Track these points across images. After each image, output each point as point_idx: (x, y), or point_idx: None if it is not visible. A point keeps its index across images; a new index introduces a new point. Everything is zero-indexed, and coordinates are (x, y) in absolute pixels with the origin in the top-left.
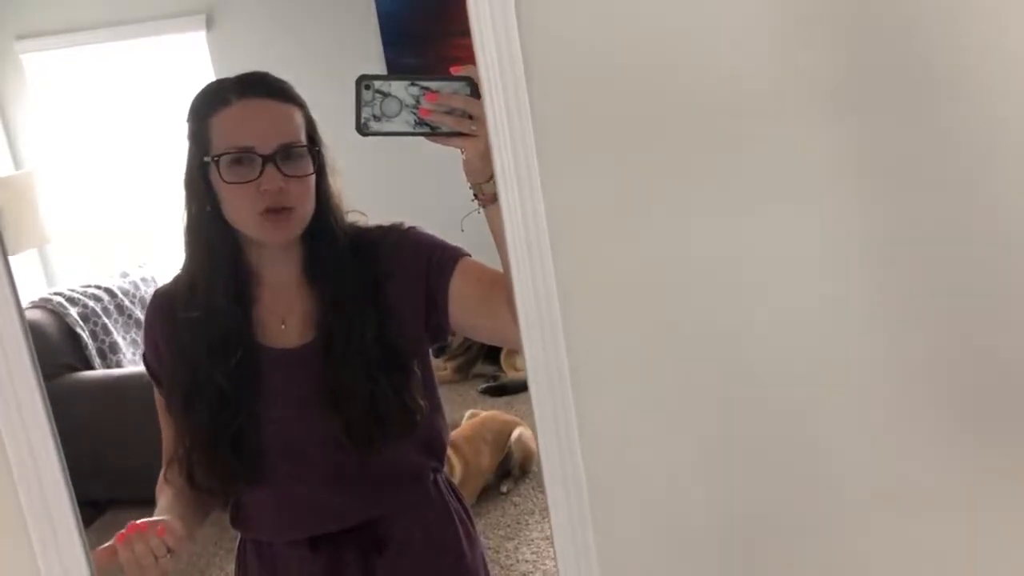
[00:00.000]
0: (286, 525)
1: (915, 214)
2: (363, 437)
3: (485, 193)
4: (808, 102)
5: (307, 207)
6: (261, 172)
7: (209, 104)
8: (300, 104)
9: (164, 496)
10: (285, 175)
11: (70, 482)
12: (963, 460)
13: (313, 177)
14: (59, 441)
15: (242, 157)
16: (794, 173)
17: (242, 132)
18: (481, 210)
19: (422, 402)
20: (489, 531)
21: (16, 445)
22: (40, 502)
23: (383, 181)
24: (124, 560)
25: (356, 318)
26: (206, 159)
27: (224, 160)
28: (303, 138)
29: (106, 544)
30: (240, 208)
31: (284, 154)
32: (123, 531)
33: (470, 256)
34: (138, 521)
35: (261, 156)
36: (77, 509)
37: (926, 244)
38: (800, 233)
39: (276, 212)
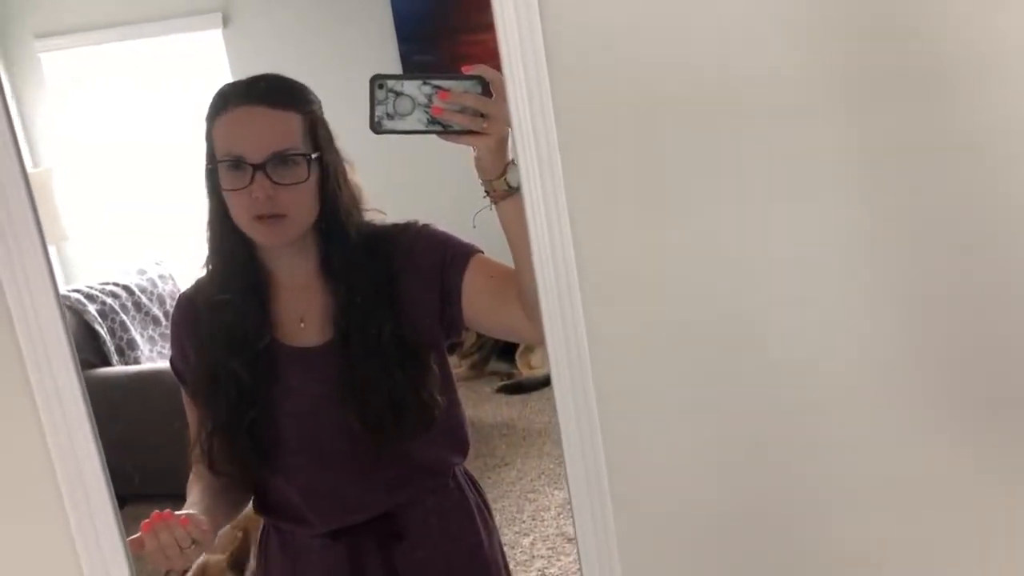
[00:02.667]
0: (308, 516)
1: (928, 205)
2: (382, 434)
3: (496, 190)
4: (827, 96)
5: (301, 214)
6: (251, 180)
7: (214, 108)
8: (303, 110)
9: (193, 491)
10: (275, 183)
11: (106, 466)
12: (971, 452)
13: (311, 184)
14: (96, 426)
15: (235, 164)
16: (810, 165)
17: (234, 140)
18: (492, 207)
19: (440, 398)
20: (505, 527)
21: (55, 429)
22: (78, 484)
23: (396, 178)
24: (150, 549)
25: (373, 317)
26: (209, 165)
27: (221, 167)
28: (299, 146)
29: (133, 536)
30: (237, 212)
31: (275, 163)
32: (148, 520)
33: (483, 253)
34: (163, 511)
35: (251, 165)
36: (113, 492)
37: (939, 236)
38: (812, 226)
39: (268, 218)
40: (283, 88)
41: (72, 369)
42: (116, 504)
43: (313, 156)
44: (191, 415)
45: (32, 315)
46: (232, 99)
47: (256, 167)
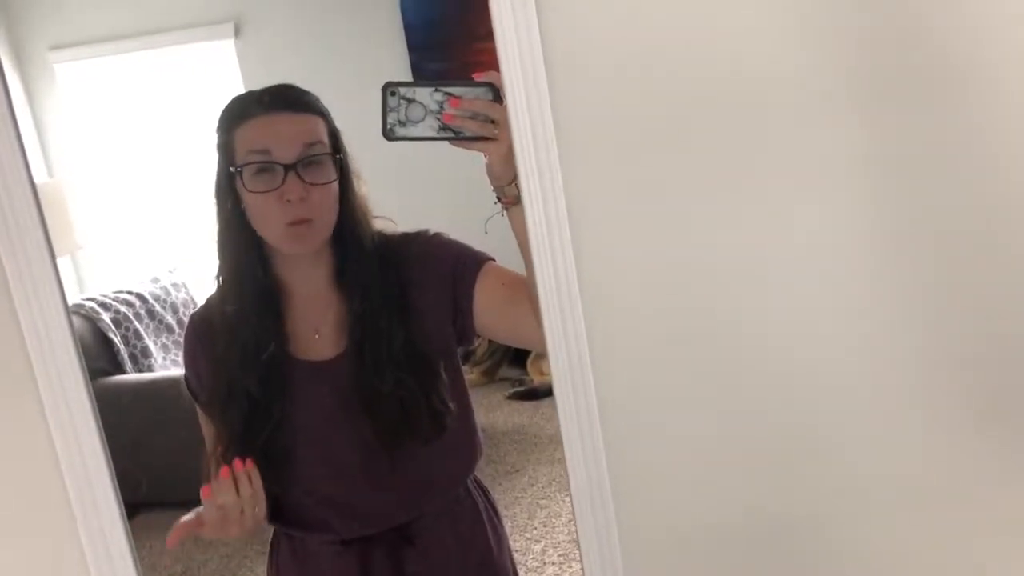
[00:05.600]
0: (320, 526)
1: (932, 209)
2: (395, 441)
3: (507, 196)
4: (826, 98)
5: (328, 216)
6: (283, 180)
7: (234, 117)
8: (323, 115)
9: None
10: (306, 183)
11: (115, 475)
12: (983, 453)
13: (336, 185)
14: (104, 435)
15: (265, 166)
16: (811, 169)
17: (264, 142)
18: (504, 213)
19: (451, 404)
20: (516, 534)
21: (64, 439)
22: (88, 494)
23: (408, 185)
24: (225, 503)
25: (386, 326)
26: (232, 169)
27: (248, 170)
28: (326, 147)
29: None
30: (264, 218)
31: (306, 162)
32: (226, 469)
33: (494, 261)
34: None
35: (283, 165)
36: (121, 501)
37: (945, 239)
38: (817, 227)
39: (297, 224)
40: (301, 95)
41: (80, 378)
42: (124, 513)
43: (338, 156)
44: (207, 431)
45: (41, 324)
46: (258, 106)
47: (288, 167)
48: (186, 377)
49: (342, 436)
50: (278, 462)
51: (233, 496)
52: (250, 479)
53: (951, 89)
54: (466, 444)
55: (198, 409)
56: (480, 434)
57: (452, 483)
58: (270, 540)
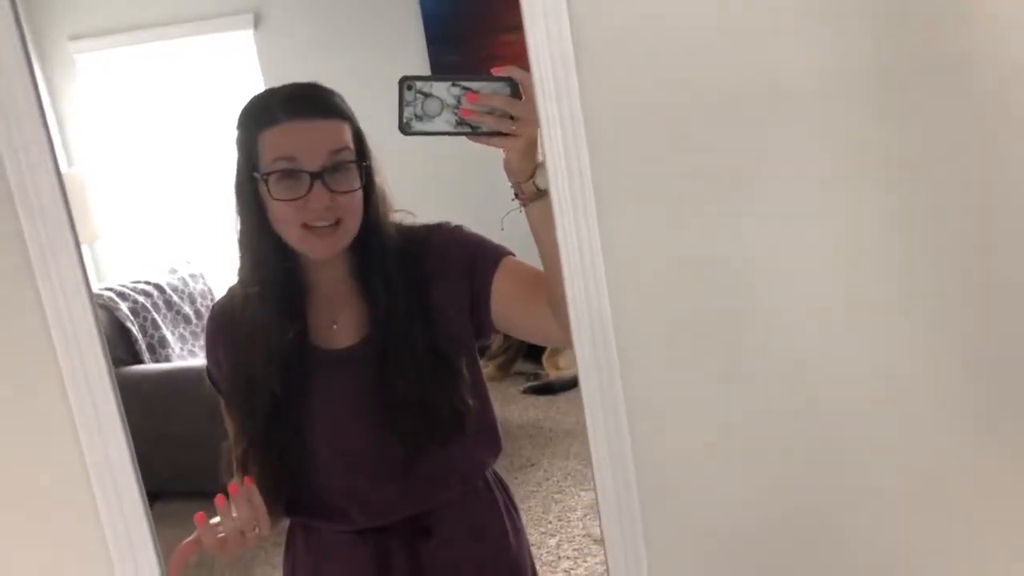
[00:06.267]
0: (336, 516)
1: (956, 209)
2: (413, 441)
3: (525, 192)
4: (857, 99)
5: (354, 221)
6: (309, 189)
7: (258, 120)
8: (348, 118)
9: None
10: (332, 191)
11: (137, 463)
12: (1005, 455)
13: (360, 192)
14: (127, 423)
15: (290, 173)
16: (842, 167)
17: (290, 149)
18: (521, 209)
19: (471, 402)
20: (531, 527)
21: (87, 427)
22: (109, 480)
23: (425, 180)
24: (227, 529)
25: (405, 318)
26: (255, 174)
27: (273, 177)
28: (351, 152)
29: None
30: (288, 223)
31: (332, 170)
32: (221, 495)
33: (514, 255)
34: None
35: (309, 173)
36: (143, 489)
37: (967, 240)
38: (844, 227)
39: (322, 228)
40: (328, 98)
41: (104, 367)
42: (146, 500)
43: (364, 164)
44: (229, 425)
45: (65, 314)
46: (282, 111)
47: (314, 175)
48: (208, 368)
49: (359, 428)
50: (296, 453)
51: (230, 519)
52: (250, 499)
53: (978, 86)
54: (485, 438)
55: (222, 405)
56: (499, 427)
57: (471, 476)
58: (287, 531)
